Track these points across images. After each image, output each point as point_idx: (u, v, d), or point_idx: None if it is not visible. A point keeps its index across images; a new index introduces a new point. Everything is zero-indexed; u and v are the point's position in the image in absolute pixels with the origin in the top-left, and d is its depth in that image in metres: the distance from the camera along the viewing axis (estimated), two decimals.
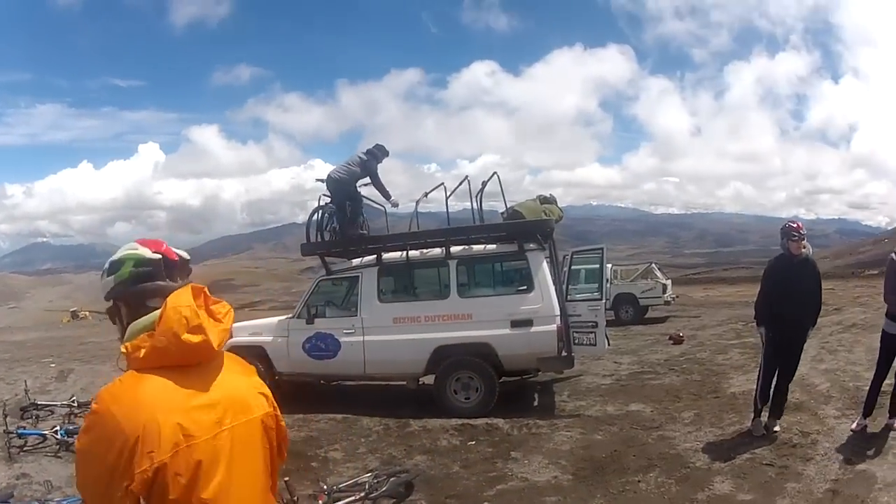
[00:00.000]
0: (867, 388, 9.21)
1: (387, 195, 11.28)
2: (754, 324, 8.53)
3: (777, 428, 8.18)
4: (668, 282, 26.12)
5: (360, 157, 11.09)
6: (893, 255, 7.62)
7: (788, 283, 7.80)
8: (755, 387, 8.36)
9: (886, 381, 7.94)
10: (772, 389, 8.17)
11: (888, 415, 8.04)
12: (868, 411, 8.00)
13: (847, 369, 11.78)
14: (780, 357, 8.08)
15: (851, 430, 7.96)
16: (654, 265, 27.26)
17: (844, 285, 36.88)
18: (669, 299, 25.16)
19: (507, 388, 10.58)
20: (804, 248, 7.85)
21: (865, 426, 7.95)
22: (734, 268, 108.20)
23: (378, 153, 11.22)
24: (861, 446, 7.54)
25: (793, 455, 7.42)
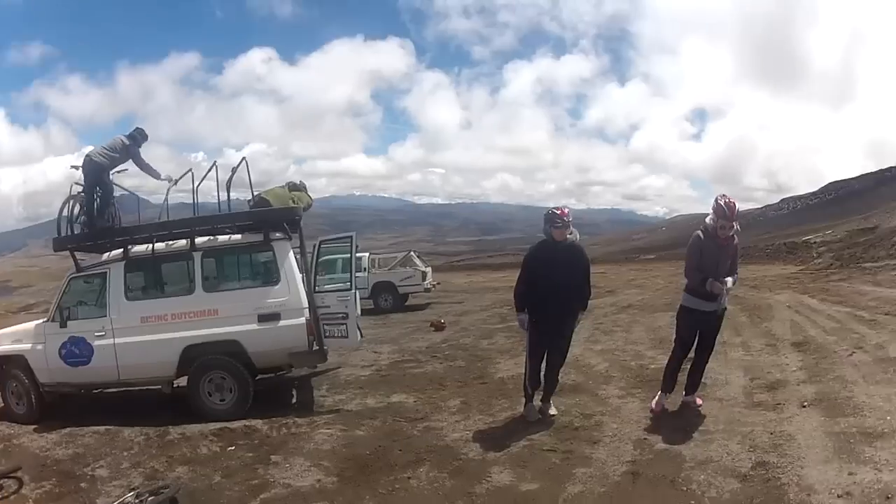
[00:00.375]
0: (652, 366, 9.70)
1: (156, 174, 10.76)
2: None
3: (553, 411, 8.23)
4: (428, 269, 27.02)
5: (123, 141, 10.63)
6: (699, 232, 7.73)
7: (553, 268, 7.84)
8: (524, 371, 8.38)
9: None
10: (542, 374, 8.21)
11: (684, 392, 8.26)
12: (669, 388, 8.18)
13: (627, 349, 12.26)
14: (548, 342, 8.13)
15: (651, 411, 8.10)
16: (413, 253, 28.08)
17: (618, 269, 38.94)
18: (429, 286, 25.98)
19: (264, 386, 10.30)
20: (569, 234, 7.93)
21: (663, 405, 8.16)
22: (499, 254, 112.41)
23: (139, 137, 10.83)
24: (657, 425, 7.69)
25: (576, 438, 7.43)
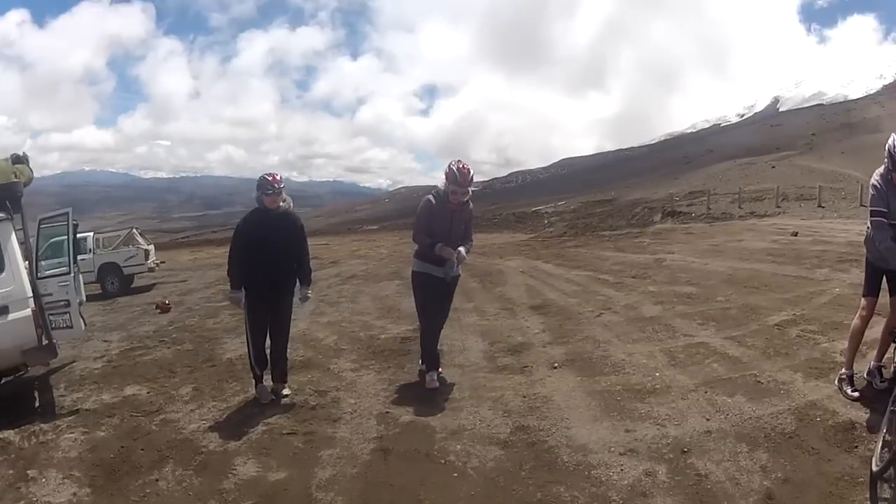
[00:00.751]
0: (382, 336, 9.85)
1: None
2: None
3: (286, 391, 8.00)
4: (151, 247, 26.47)
5: None
6: (430, 197, 7.64)
7: (266, 238, 7.68)
8: (248, 351, 8.14)
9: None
10: (268, 351, 8.00)
11: (420, 361, 8.21)
12: (435, 364, 8.01)
13: (354, 320, 12.22)
14: (267, 318, 7.94)
15: (430, 388, 7.79)
16: (135, 230, 27.22)
17: (341, 240, 39.16)
18: (153, 265, 25.51)
19: (13, 391, 9.61)
20: (283, 202, 7.76)
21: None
22: (222, 229, 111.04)
23: None
24: (398, 398, 7.60)
25: (315, 418, 7.21)
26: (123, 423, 7.81)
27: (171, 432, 7.30)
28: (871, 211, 6.16)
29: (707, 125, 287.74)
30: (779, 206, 38.86)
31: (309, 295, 8.18)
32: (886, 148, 5.91)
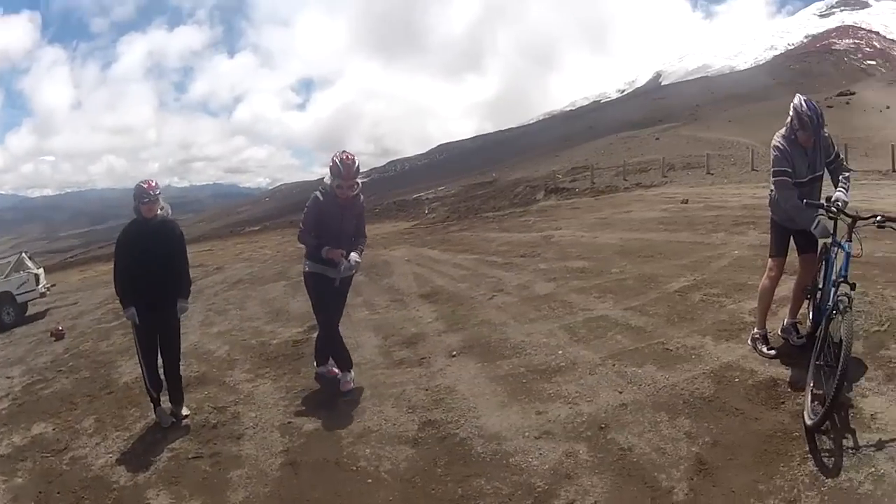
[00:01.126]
0: (274, 342, 9.70)
1: None
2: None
3: (186, 411, 7.67)
4: (41, 270, 25.17)
5: None
6: (317, 193, 7.37)
7: (146, 249, 7.30)
8: (142, 373, 7.79)
9: None
10: (161, 371, 7.65)
11: (315, 363, 8.07)
12: (349, 364, 7.77)
13: (244, 327, 11.87)
14: (156, 335, 7.56)
15: (345, 391, 7.55)
16: (24, 254, 25.69)
17: (224, 244, 38.32)
18: (44, 290, 24.06)
19: None
20: (161, 209, 7.41)
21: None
22: (108, 244, 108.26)
23: None
24: (298, 406, 7.43)
25: (218, 437, 6.97)
26: (36, 466, 7.46)
27: (81, 470, 7.00)
28: (773, 171, 6.34)
29: (587, 102, 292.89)
30: (665, 176, 39.75)
31: (186, 307, 7.81)
32: (792, 107, 6.10)
